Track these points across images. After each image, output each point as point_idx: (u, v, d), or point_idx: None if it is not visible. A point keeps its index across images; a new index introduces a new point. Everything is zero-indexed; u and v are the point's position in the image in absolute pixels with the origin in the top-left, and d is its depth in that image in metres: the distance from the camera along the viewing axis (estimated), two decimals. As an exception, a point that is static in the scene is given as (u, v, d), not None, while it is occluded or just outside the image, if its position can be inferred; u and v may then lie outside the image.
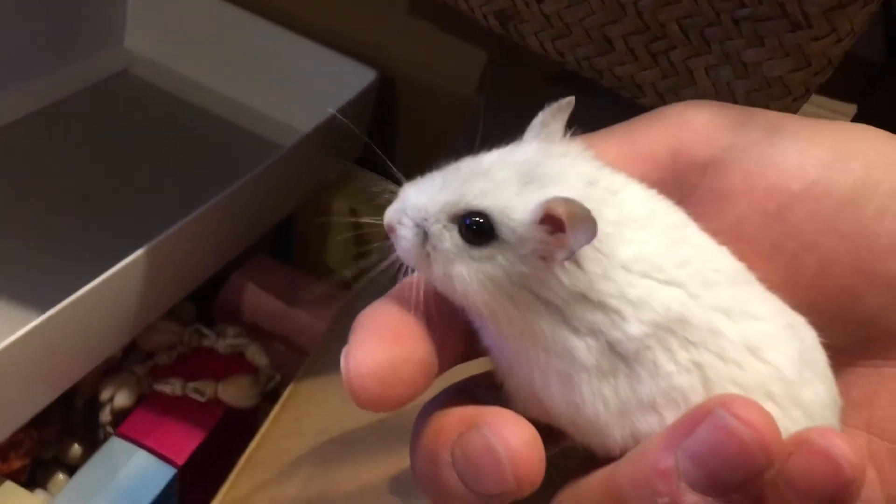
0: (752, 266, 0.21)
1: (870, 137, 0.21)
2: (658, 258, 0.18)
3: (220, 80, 0.54)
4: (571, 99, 0.20)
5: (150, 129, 0.52)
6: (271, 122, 0.52)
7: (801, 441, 0.17)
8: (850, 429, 0.21)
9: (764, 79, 0.29)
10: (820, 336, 0.20)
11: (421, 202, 0.19)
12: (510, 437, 0.17)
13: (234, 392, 0.42)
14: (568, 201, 0.17)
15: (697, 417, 0.17)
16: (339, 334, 0.40)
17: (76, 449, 0.44)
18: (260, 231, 0.47)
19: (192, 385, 0.42)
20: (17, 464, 0.40)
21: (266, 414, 0.42)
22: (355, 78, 0.49)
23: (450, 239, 0.18)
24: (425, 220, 0.19)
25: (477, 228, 0.18)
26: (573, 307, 0.18)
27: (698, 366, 0.18)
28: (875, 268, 0.20)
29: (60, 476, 0.44)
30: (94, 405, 0.44)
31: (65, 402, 0.44)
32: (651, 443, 0.18)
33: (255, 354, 0.44)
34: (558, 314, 0.18)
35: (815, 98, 0.34)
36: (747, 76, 0.30)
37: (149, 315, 0.40)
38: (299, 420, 0.35)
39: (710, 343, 0.18)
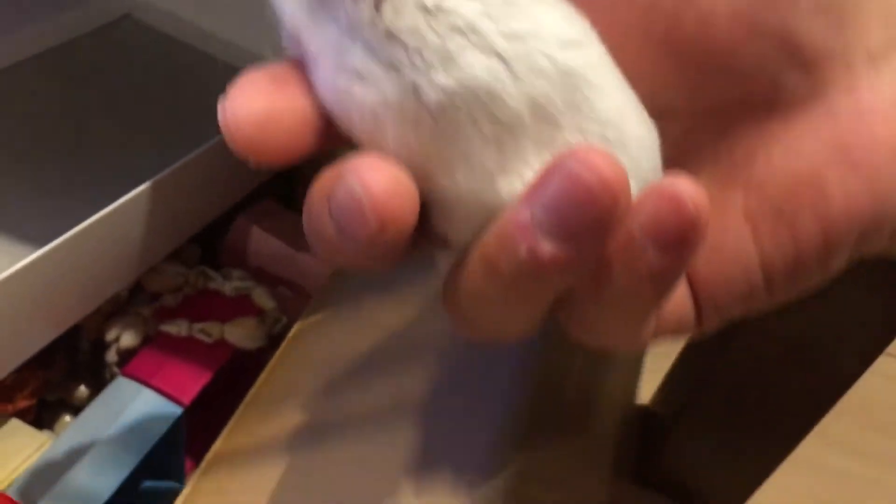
0: (630, 23, 0.20)
1: None
2: (479, 20, 0.17)
3: (223, 25, 0.53)
4: None
5: (153, 73, 0.52)
6: (275, 67, 0.52)
7: (652, 188, 0.18)
8: (730, 188, 0.21)
9: None
10: (704, 94, 0.21)
11: None
12: (369, 180, 0.17)
13: (241, 333, 0.42)
14: None
15: (551, 171, 0.17)
16: (344, 276, 0.40)
17: (82, 390, 0.44)
18: (263, 174, 0.47)
19: (198, 326, 0.42)
20: (22, 404, 0.40)
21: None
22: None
23: None
24: None
25: None
26: (375, 40, 0.18)
27: (500, 142, 0.18)
28: (754, 18, 0.20)
29: (67, 418, 0.44)
30: (100, 347, 0.44)
31: (71, 345, 0.44)
32: (513, 203, 0.18)
33: (261, 297, 0.44)
34: (365, 44, 0.18)
35: None
36: None
37: (153, 255, 0.40)
38: (306, 355, 0.35)
39: (516, 129, 0.18)
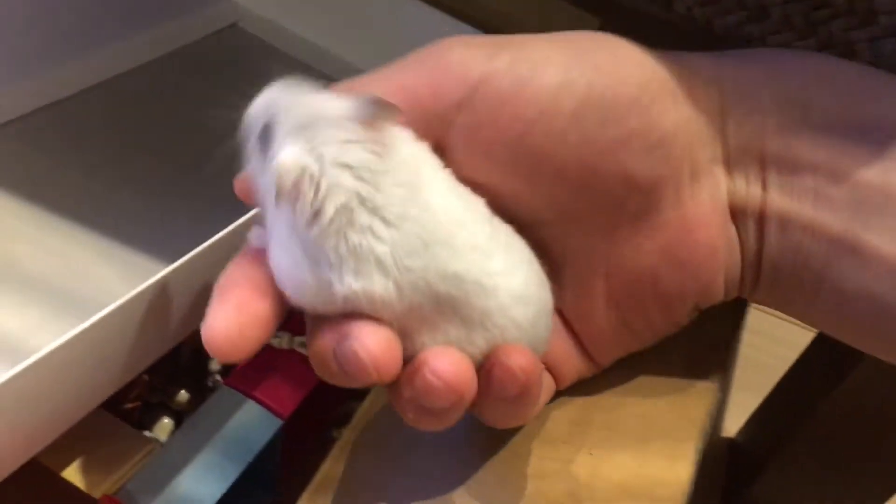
0: (496, 181, 0.26)
1: (593, 56, 0.26)
2: (385, 258, 0.24)
3: (330, 39, 0.54)
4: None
5: (259, 84, 0.53)
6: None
7: (494, 359, 0.25)
8: (594, 276, 0.28)
9: (932, 54, 0.28)
10: (567, 212, 0.27)
11: None
12: (369, 344, 0.24)
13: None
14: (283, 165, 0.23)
15: (413, 369, 0.24)
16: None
17: (182, 395, 0.45)
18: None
19: (298, 339, 0.42)
20: (129, 406, 0.41)
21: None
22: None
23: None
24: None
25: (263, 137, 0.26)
26: (305, 241, 0.24)
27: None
28: (597, 165, 0.26)
29: (166, 420, 0.45)
30: (201, 354, 0.44)
31: (174, 350, 0.44)
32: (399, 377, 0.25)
33: (360, 313, 0.44)
34: (298, 238, 0.24)
35: None
36: (912, 50, 0.28)
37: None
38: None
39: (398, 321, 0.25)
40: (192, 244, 0.33)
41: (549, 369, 0.30)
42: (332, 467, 0.33)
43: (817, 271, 0.26)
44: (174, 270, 0.32)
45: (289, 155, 0.23)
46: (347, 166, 0.23)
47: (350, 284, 0.23)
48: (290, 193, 0.23)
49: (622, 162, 0.26)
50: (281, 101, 0.26)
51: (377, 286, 0.24)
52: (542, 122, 0.25)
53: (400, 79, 0.26)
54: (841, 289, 0.25)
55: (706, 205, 0.27)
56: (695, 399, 0.32)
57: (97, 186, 0.42)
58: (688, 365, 0.33)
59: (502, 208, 0.26)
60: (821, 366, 0.50)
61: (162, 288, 0.32)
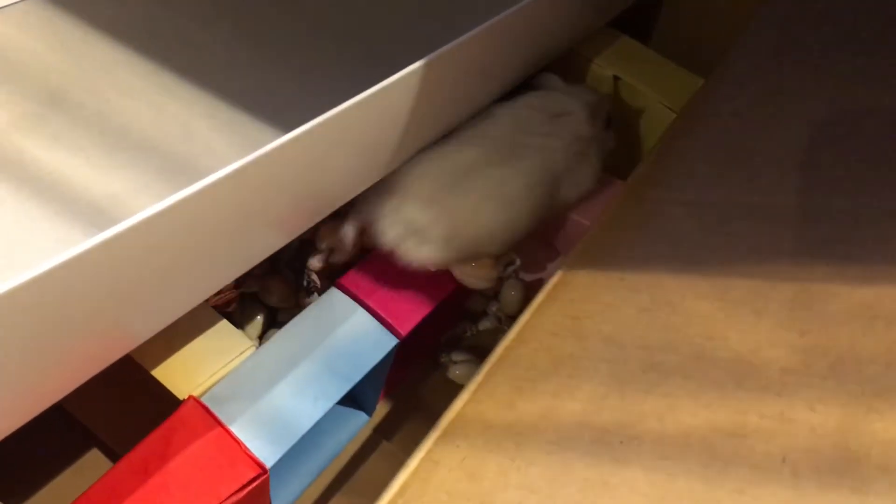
0: None
1: None
2: None
3: None
4: None
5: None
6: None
7: None
8: None
9: None
10: None
11: None
12: None
13: (471, 270, 0.36)
14: None
15: None
16: (600, 241, 0.33)
17: (278, 288, 0.39)
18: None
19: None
20: (228, 296, 0.36)
21: (481, 302, 0.37)
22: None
23: None
24: None
25: None
26: None
27: None
28: None
29: (258, 318, 0.39)
30: (305, 249, 0.39)
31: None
32: None
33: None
34: None
35: None
36: None
37: (409, 146, 0.34)
38: (578, 319, 0.29)
39: None
40: (305, 118, 0.28)
41: None
42: (467, 409, 0.28)
43: None
44: (283, 144, 0.26)
45: None
46: None
47: None
48: None
49: None
50: None
51: None
52: None
53: None
54: None
55: None
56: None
57: (215, 48, 0.35)
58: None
59: None
60: None
61: (272, 160, 0.26)
